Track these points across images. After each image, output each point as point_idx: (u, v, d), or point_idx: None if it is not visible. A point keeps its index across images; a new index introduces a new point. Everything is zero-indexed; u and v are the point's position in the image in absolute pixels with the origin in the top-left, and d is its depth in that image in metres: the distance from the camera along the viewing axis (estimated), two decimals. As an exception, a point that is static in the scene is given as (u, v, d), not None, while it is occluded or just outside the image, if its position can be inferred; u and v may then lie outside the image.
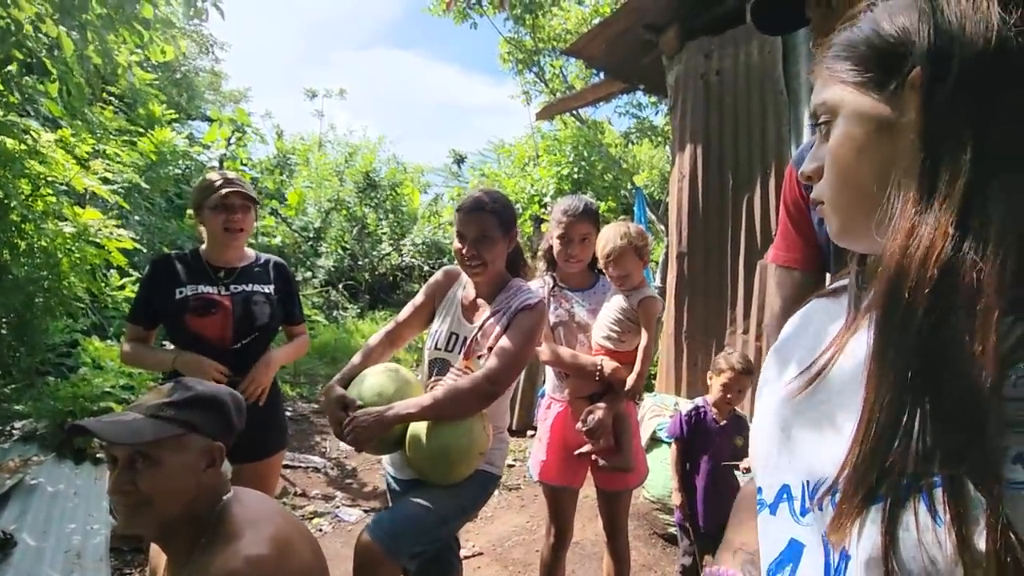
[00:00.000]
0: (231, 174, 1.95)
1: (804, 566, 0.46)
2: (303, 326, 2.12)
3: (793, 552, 0.48)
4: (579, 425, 1.80)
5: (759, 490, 0.54)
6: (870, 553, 0.40)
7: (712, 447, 2.21)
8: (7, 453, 2.87)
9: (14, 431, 3.16)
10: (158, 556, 1.21)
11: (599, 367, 1.79)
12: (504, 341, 1.49)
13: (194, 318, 1.80)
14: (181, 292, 1.81)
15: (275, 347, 2.02)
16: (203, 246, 1.94)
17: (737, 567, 0.59)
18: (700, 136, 3.66)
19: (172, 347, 1.91)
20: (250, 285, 1.91)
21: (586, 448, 1.82)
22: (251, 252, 2.02)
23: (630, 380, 1.79)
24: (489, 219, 1.55)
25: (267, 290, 1.94)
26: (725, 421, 2.22)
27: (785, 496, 0.50)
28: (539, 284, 1.92)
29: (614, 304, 1.87)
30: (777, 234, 1.19)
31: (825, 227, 1.05)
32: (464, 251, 1.56)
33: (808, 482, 0.47)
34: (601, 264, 1.89)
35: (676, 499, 2.27)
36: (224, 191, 1.83)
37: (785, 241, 1.16)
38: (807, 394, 0.51)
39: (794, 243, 1.14)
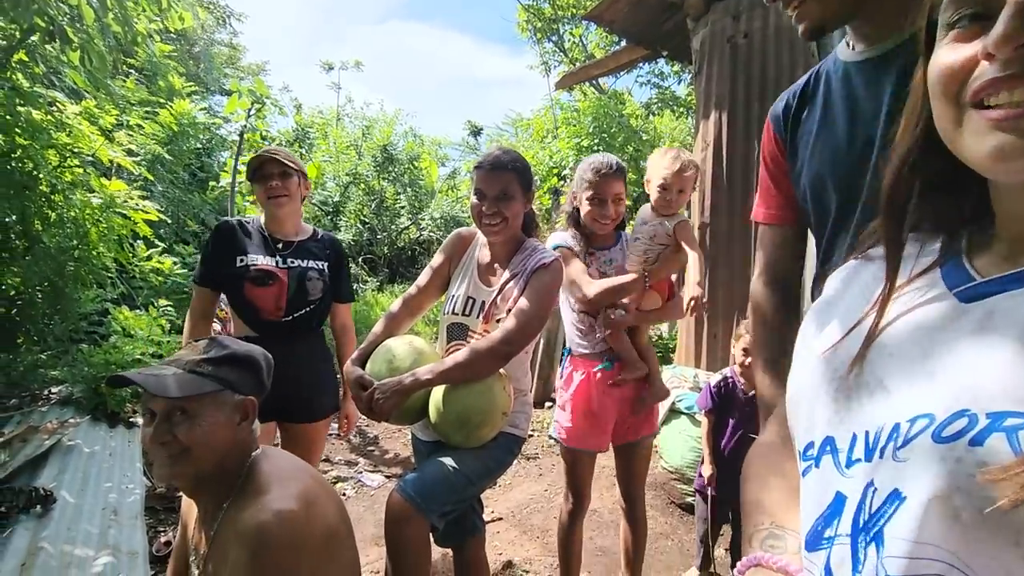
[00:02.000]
0: (276, 147, 2.01)
1: (844, 517, 0.46)
2: (348, 307, 2.17)
3: (838, 505, 0.47)
4: (601, 320, 1.79)
5: (807, 446, 0.53)
6: (926, 487, 0.39)
7: (739, 416, 2.21)
8: (45, 416, 2.98)
9: (51, 395, 3.29)
10: (189, 511, 1.25)
11: (646, 273, 1.77)
12: (521, 301, 1.49)
13: (251, 287, 1.87)
14: (242, 260, 1.88)
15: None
16: (263, 217, 2.01)
17: (757, 549, 0.57)
18: (726, 103, 3.55)
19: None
20: (306, 261, 1.96)
21: (626, 375, 1.83)
22: (308, 227, 2.08)
23: (694, 285, 1.71)
24: (511, 176, 1.54)
25: (321, 266, 1.99)
26: (754, 391, 2.21)
27: (829, 449, 0.49)
28: (563, 239, 1.87)
29: (646, 232, 1.80)
30: (758, 191, 1.15)
31: (801, 182, 0.99)
32: (484, 208, 1.54)
33: (867, 432, 0.46)
34: (657, 184, 1.79)
35: (707, 470, 2.26)
36: (260, 161, 1.90)
37: (764, 197, 1.13)
38: (855, 349, 0.50)
39: (773, 199, 1.11)
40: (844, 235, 0.92)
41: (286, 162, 1.92)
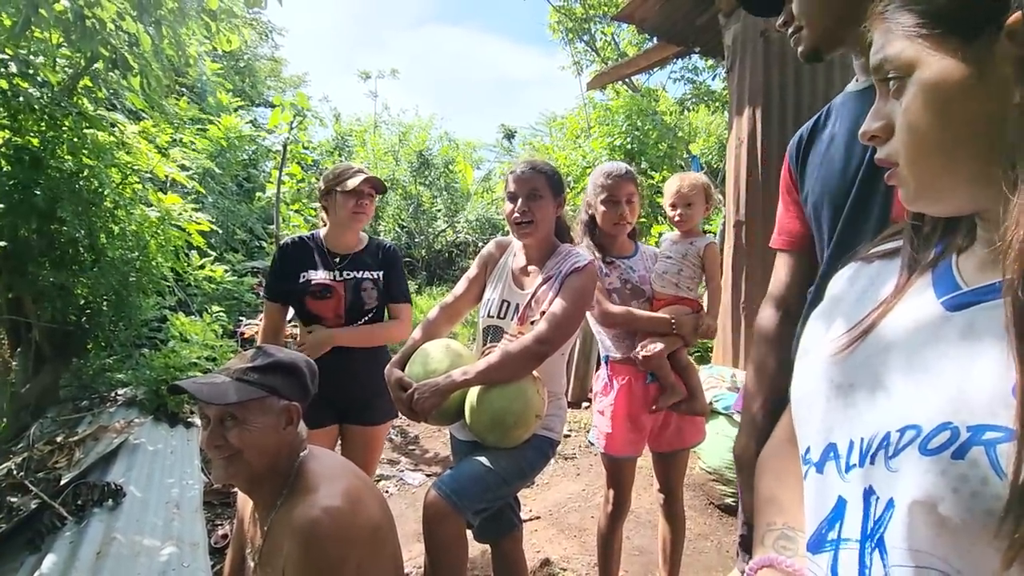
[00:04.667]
0: (358, 165, 2.13)
1: (847, 521, 0.48)
2: (406, 307, 2.18)
3: (840, 509, 0.49)
4: (637, 352, 1.83)
5: (806, 449, 0.55)
6: (915, 497, 0.41)
7: None
8: (113, 416, 3.21)
9: (118, 397, 3.52)
10: (245, 506, 1.35)
11: (674, 321, 1.82)
12: (556, 303, 1.53)
13: (312, 301, 2.00)
14: (303, 276, 2.01)
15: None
16: (323, 230, 2.12)
17: (769, 550, 0.59)
18: (760, 98, 3.49)
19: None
20: (361, 272, 2.07)
21: (664, 401, 1.85)
22: (364, 236, 2.18)
23: (707, 319, 1.87)
24: (539, 178, 1.62)
25: (375, 275, 2.09)
26: None
27: (832, 455, 0.51)
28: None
29: (676, 252, 1.92)
30: (778, 219, 1.20)
31: (807, 208, 1.03)
32: (515, 209, 1.60)
33: (863, 439, 0.48)
34: (667, 204, 1.96)
35: None
36: (358, 178, 2.01)
37: (779, 224, 1.18)
38: (855, 353, 0.52)
39: (785, 226, 1.16)
40: (840, 253, 0.96)
41: (380, 184, 2.07)
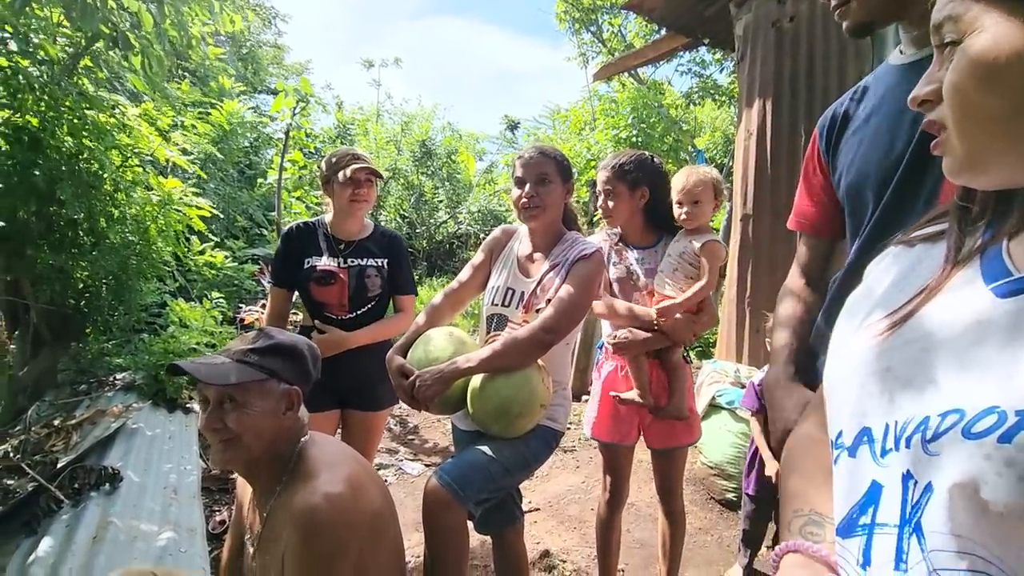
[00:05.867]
0: (358, 150, 2.09)
1: (883, 506, 0.47)
2: (410, 298, 2.17)
3: (874, 493, 0.48)
4: (607, 339, 1.81)
5: (838, 434, 0.54)
6: (956, 480, 0.40)
7: None
8: (111, 400, 3.19)
9: (116, 381, 3.50)
10: (244, 491, 1.33)
11: (655, 320, 1.77)
12: (561, 291, 1.50)
13: (316, 287, 1.98)
14: (308, 262, 2.00)
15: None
16: (328, 216, 2.10)
17: (796, 536, 0.58)
18: (770, 89, 3.44)
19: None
20: (365, 259, 2.05)
21: (627, 395, 1.83)
22: (369, 224, 2.16)
23: (666, 308, 1.74)
24: (549, 163, 1.59)
25: (379, 263, 2.07)
26: None
27: (866, 439, 0.50)
28: (603, 238, 1.91)
29: (676, 250, 1.83)
30: (796, 199, 1.17)
31: (841, 189, 1.00)
32: (523, 194, 1.58)
33: (898, 423, 0.47)
34: (675, 199, 1.83)
35: (771, 469, 2.09)
36: (353, 166, 1.97)
37: (798, 206, 1.15)
38: (893, 338, 0.51)
39: (805, 208, 1.13)
40: (881, 235, 0.92)
41: (377, 171, 2.02)
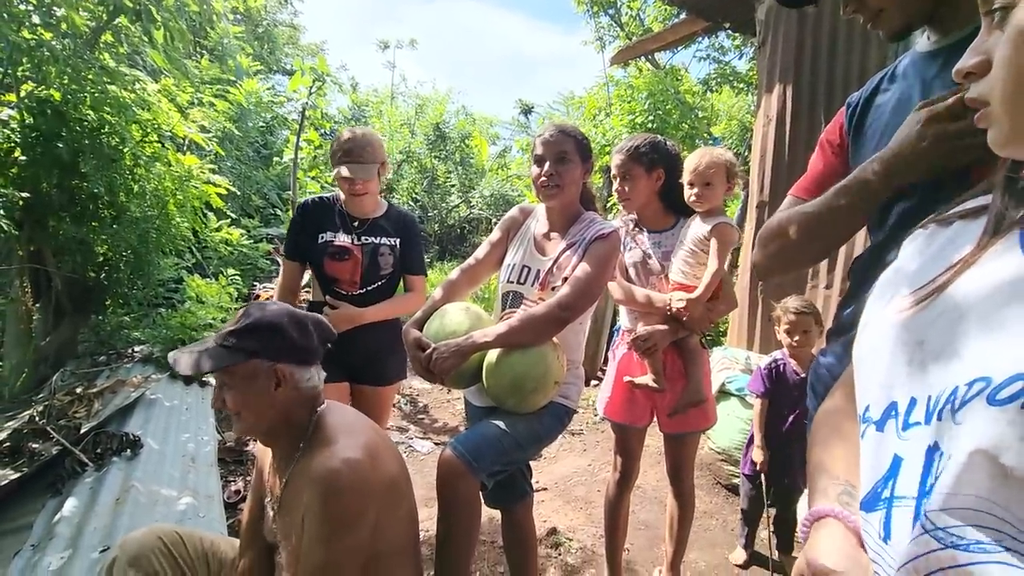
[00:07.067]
0: (356, 136, 2.02)
1: (902, 479, 0.47)
2: (421, 279, 2.18)
3: (895, 467, 0.48)
4: (628, 338, 1.82)
5: (866, 408, 0.54)
6: (978, 445, 0.40)
7: (795, 401, 2.17)
8: (130, 371, 3.26)
9: (135, 353, 3.58)
10: (264, 455, 1.36)
11: (669, 305, 1.77)
12: (578, 269, 1.51)
13: (330, 262, 2.01)
14: (323, 237, 2.02)
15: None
16: (343, 194, 2.10)
17: (833, 502, 0.57)
18: (791, 75, 3.39)
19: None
20: (378, 238, 2.06)
21: (641, 380, 1.83)
22: (383, 203, 2.17)
23: (687, 303, 1.72)
24: (569, 141, 1.59)
25: (392, 242, 2.09)
26: (806, 374, 2.16)
27: (893, 412, 0.50)
28: (619, 223, 1.91)
29: (689, 235, 1.80)
30: (807, 173, 1.13)
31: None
32: (542, 173, 1.58)
33: (929, 397, 0.46)
34: (687, 179, 1.80)
35: (759, 456, 2.21)
36: (344, 173, 1.94)
37: (809, 178, 1.11)
38: (925, 311, 0.50)
39: (816, 183, 1.09)
40: (909, 214, 0.91)
41: (367, 164, 1.99)
